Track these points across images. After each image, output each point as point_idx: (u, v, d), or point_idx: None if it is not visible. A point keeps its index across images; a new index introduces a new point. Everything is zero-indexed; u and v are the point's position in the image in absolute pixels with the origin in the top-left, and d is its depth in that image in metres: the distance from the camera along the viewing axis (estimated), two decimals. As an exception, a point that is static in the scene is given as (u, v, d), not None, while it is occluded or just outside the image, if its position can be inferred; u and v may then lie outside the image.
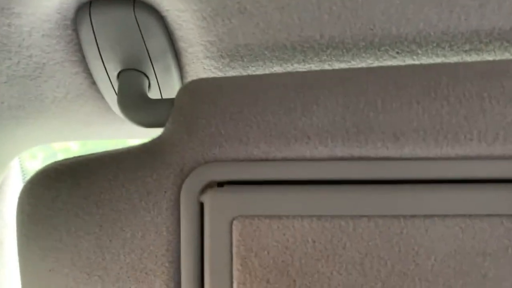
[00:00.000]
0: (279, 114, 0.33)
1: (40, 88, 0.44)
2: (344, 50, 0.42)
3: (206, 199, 0.33)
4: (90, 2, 0.39)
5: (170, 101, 0.38)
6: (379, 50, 0.42)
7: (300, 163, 0.32)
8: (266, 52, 0.41)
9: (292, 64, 0.43)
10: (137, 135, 0.56)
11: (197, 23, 0.39)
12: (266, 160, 0.33)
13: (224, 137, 0.33)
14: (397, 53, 0.42)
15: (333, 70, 0.35)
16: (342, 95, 0.33)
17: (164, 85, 0.45)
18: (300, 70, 0.43)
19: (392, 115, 0.32)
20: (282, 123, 0.33)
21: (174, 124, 0.35)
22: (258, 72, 0.44)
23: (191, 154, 0.33)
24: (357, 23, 0.39)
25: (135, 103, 0.41)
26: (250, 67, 0.43)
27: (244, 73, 0.44)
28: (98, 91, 0.47)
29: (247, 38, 0.40)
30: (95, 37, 0.40)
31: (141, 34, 0.40)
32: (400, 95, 0.32)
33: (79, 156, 0.37)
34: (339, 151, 0.32)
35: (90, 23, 0.40)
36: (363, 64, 0.43)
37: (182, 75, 0.46)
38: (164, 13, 0.39)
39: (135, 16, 0.39)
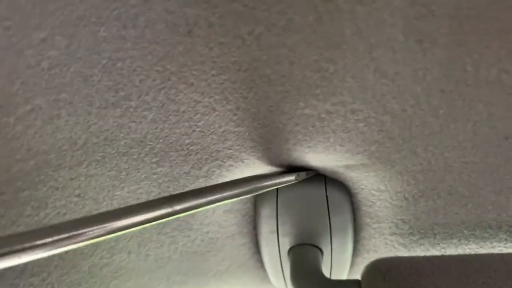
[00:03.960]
0: None
1: (207, 262, 0.40)
2: None
3: None
4: None
5: (355, 282, 0.34)
6: None
7: None
8: (465, 231, 0.37)
9: (491, 243, 0.38)
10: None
11: (395, 202, 0.35)
12: None
13: None
14: None
15: None
16: None
17: (337, 260, 0.41)
18: (501, 249, 0.38)
19: None
20: None
21: None
22: (449, 250, 0.39)
23: None
24: None
25: (313, 284, 0.37)
26: (441, 244, 0.38)
27: (434, 250, 0.39)
28: (259, 260, 0.43)
29: (448, 218, 0.36)
30: (276, 212, 0.38)
31: (328, 211, 0.37)
32: None
33: None
34: None
35: (275, 198, 0.37)
36: None
37: (355, 248, 0.41)
38: (356, 191, 0.36)
39: (326, 194, 0.36)
